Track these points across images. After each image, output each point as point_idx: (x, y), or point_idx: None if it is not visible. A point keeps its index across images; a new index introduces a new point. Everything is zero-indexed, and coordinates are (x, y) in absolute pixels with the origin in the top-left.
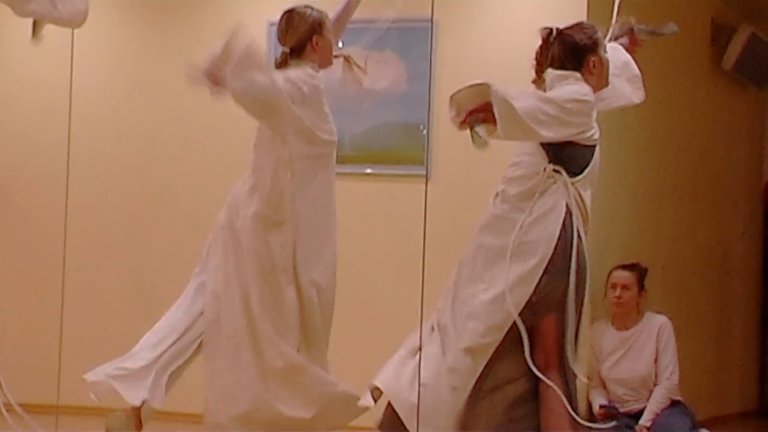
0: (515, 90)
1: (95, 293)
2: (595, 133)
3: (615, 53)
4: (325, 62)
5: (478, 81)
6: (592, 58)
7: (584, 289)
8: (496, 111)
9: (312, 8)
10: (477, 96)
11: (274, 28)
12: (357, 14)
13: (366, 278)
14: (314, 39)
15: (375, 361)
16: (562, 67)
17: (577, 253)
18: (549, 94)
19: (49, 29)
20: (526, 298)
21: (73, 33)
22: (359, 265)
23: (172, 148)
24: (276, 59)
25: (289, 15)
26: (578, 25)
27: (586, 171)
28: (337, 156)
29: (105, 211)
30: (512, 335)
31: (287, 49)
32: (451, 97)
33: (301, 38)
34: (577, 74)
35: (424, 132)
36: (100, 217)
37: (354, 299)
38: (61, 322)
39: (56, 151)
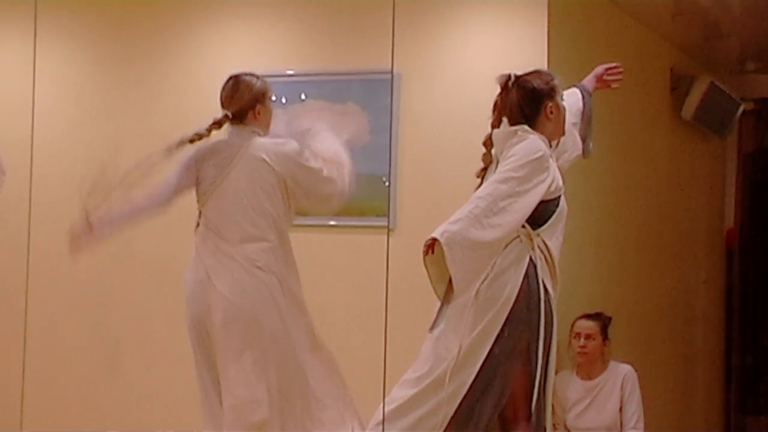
0: (464, 222)
1: (57, 349)
2: (554, 184)
3: (574, 99)
4: (264, 131)
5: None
6: (549, 104)
7: (551, 339)
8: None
9: (258, 78)
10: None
11: None
12: (319, 66)
13: (328, 329)
14: (257, 108)
15: None
16: (520, 112)
17: (543, 303)
18: (497, 173)
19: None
20: (485, 353)
21: (34, 89)
22: (321, 317)
23: None
24: (215, 119)
25: (235, 82)
26: (536, 72)
27: (550, 221)
28: (300, 208)
29: (67, 266)
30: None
31: (229, 113)
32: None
33: (243, 106)
34: (525, 126)
35: (387, 184)
36: (62, 272)
37: None
38: (23, 379)
39: (17, 206)
